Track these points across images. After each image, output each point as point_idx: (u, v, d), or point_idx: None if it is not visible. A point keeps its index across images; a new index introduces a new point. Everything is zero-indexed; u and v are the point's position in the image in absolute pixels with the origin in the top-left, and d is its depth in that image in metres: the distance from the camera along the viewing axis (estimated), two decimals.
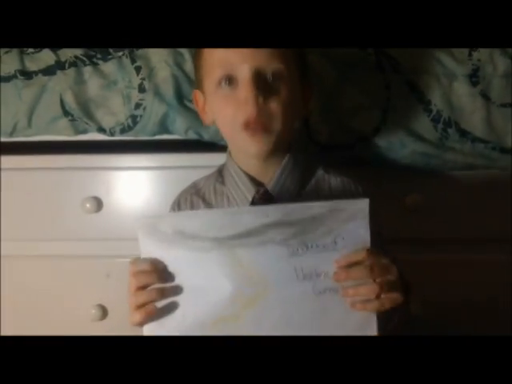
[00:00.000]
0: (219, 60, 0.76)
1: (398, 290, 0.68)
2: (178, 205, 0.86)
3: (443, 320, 1.01)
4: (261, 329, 0.68)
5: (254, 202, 0.80)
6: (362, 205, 0.68)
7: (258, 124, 0.75)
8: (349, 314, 0.68)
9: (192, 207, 0.84)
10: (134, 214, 1.06)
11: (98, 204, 1.07)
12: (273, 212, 0.68)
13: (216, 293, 0.68)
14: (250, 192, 0.80)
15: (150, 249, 0.69)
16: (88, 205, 1.07)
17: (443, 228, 1.06)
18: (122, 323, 1.06)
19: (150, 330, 0.69)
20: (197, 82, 0.85)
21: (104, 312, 1.11)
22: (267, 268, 0.68)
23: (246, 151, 0.79)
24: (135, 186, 1.09)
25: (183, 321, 0.69)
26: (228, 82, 0.75)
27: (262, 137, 0.76)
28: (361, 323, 0.68)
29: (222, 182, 0.85)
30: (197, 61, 0.82)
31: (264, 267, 0.68)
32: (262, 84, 0.74)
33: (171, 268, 0.69)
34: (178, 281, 0.69)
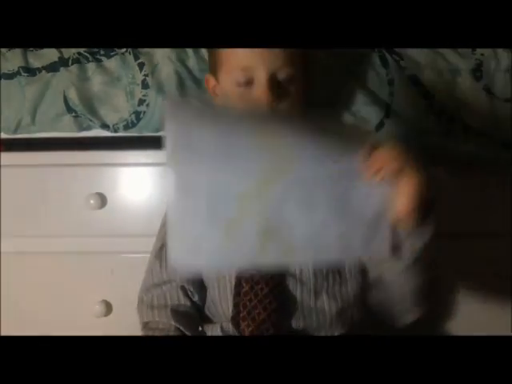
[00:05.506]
0: (239, 64, 0.80)
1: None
2: None
3: (442, 314, 1.02)
4: (284, 208, 0.67)
5: None
6: None
7: None
8: (368, 199, 0.69)
9: None
10: (137, 210, 1.08)
11: (102, 200, 1.07)
12: None
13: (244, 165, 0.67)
14: None
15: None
16: (92, 201, 1.06)
17: (446, 223, 1.05)
18: (126, 319, 1.07)
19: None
20: (211, 68, 0.88)
21: (108, 308, 1.11)
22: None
23: None
24: (139, 182, 1.09)
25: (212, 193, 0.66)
26: (246, 84, 0.80)
27: None
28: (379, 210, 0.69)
29: None
30: (214, 52, 0.85)
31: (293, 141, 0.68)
32: (276, 87, 0.79)
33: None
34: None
